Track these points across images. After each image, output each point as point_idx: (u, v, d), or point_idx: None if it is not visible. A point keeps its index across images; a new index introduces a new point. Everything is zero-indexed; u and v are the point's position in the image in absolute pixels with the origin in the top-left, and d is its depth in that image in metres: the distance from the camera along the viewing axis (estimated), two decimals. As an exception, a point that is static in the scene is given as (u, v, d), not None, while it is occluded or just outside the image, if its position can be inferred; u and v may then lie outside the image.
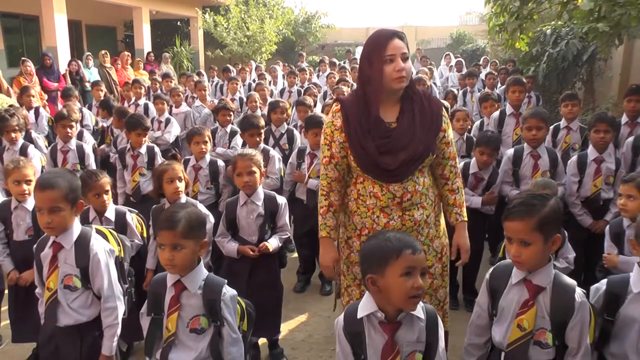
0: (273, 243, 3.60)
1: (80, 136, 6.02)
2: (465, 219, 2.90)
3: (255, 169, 3.58)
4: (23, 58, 10.40)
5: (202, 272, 2.42)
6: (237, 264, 3.62)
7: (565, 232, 3.46)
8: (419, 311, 2.08)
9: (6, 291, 3.76)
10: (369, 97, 2.71)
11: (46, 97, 9.95)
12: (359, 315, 2.10)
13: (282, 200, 3.75)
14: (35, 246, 2.79)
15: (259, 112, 7.22)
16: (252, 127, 4.89)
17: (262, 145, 4.98)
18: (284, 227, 3.73)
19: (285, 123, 5.87)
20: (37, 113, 7.47)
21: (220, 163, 4.90)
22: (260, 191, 3.65)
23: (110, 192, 3.61)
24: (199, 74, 11.04)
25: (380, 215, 2.75)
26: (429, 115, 2.76)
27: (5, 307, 3.79)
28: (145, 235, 3.75)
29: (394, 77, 2.62)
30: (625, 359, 2.34)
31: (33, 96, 7.62)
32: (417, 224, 2.75)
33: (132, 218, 3.68)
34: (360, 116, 2.73)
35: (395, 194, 2.71)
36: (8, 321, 3.72)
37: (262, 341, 3.84)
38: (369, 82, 2.71)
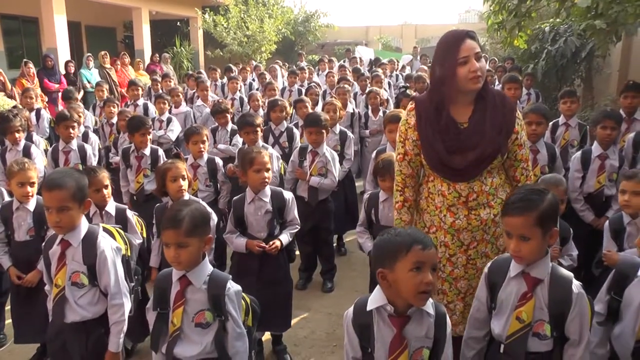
0: (283, 239, 3.65)
1: (85, 137, 6.06)
2: None
3: (270, 165, 3.64)
4: (25, 60, 10.43)
5: (207, 267, 2.46)
6: (247, 260, 3.65)
7: (571, 229, 3.48)
8: (429, 307, 2.09)
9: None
10: (442, 98, 2.73)
11: (47, 98, 9.97)
12: (369, 308, 2.12)
13: (289, 195, 3.79)
14: (44, 243, 2.84)
15: (261, 112, 7.27)
16: (247, 125, 4.92)
17: (260, 143, 5.01)
18: (294, 221, 3.79)
19: (284, 121, 5.90)
20: (38, 114, 7.49)
21: (218, 160, 4.95)
22: (267, 188, 3.68)
23: (109, 187, 3.65)
24: (199, 73, 11.07)
25: (447, 215, 2.78)
26: (501, 116, 2.76)
27: (9, 307, 3.83)
28: (144, 235, 3.79)
29: (469, 77, 2.62)
30: (621, 340, 2.40)
31: (33, 97, 7.64)
32: (483, 223, 2.76)
33: (132, 215, 3.72)
34: (432, 116, 2.76)
35: (461, 193, 2.74)
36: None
37: (265, 337, 3.88)
38: (443, 84, 2.72)
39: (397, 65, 13.92)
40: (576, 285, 2.21)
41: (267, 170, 3.61)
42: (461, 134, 2.72)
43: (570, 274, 2.26)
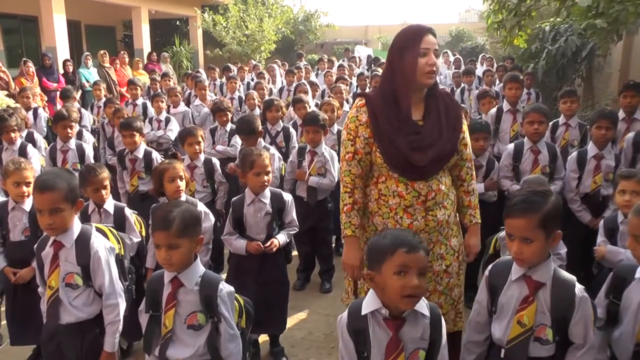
0: (281, 239, 3.61)
1: (79, 135, 6.03)
2: (479, 221, 2.93)
3: (270, 168, 3.60)
4: (24, 59, 10.40)
5: (199, 268, 2.43)
6: (246, 261, 3.61)
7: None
8: (424, 308, 2.08)
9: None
10: (398, 92, 2.70)
11: (45, 97, 9.96)
12: (364, 312, 2.09)
13: (288, 197, 3.76)
14: (35, 245, 2.79)
15: (257, 111, 7.24)
16: (249, 133, 4.85)
17: (262, 143, 4.98)
18: (292, 222, 3.75)
19: (280, 121, 5.88)
20: (35, 114, 7.48)
21: (215, 161, 4.93)
22: (267, 189, 3.65)
23: (108, 187, 3.63)
24: (197, 73, 11.04)
25: (404, 216, 2.72)
26: (453, 115, 2.78)
27: (4, 308, 3.79)
28: (144, 234, 3.76)
29: (426, 70, 2.61)
30: (621, 343, 2.36)
31: (30, 97, 7.61)
32: (439, 224, 2.75)
33: (131, 214, 3.70)
34: (389, 112, 2.71)
35: (421, 192, 2.70)
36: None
37: (262, 339, 3.84)
38: (400, 75, 2.69)
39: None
40: (579, 288, 2.17)
41: (267, 173, 3.58)
42: (421, 131, 2.71)
43: (573, 277, 2.22)
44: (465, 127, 2.86)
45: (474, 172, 2.96)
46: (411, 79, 2.65)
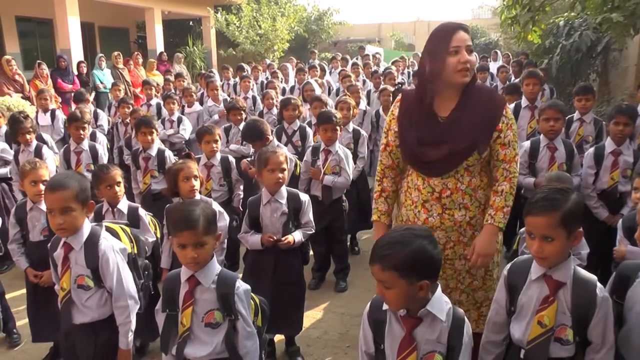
0: (296, 237, 3.59)
1: (93, 137, 6.08)
2: (496, 224, 2.71)
3: (285, 165, 3.59)
4: (38, 61, 10.50)
5: (216, 266, 2.44)
6: (261, 260, 3.61)
7: (581, 227, 3.41)
8: (442, 312, 2.05)
9: (23, 290, 3.83)
10: (425, 88, 2.73)
11: (60, 99, 10.04)
12: (384, 307, 2.12)
13: (305, 197, 3.75)
14: (49, 245, 2.82)
15: (275, 110, 7.24)
16: (254, 138, 4.86)
17: (275, 142, 4.98)
18: (309, 223, 3.74)
19: (297, 120, 5.87)
20: (53, 115, 7.54)
21: (232, 159, 4.93)
22: (284, 189, 3.63)
23: (122, 184, 3.65)
24: (209, 72, 11.07)
25: (421, 211, 2.77)
26: (485, 112, 2.71)
27: (23, 307, 3.84)
28: (159, 234, 3.77)
29: (458, 68, 2.60)
30: (625, 343, 2.30)
31: (48, 98, 7.69)
32: (457, 224, 2.72)
33: (145, 214, 3.72)
34: (412, 108, 2.78)
35: (435, 189, 2.72)
36: (26, 320, 3.77)
37: (278, 338, 3.85)
38: (429, 73, 2.69)
39: (409, 62, 13.88)
40: (600, 288, 2.14)
41: (282, 170, 3.56)
42: (438, 126, 2.70)
43: (594, 277, 2.18)
44: (505, 126, 2.71)
45: (513, 175, 2.75)
46: (440, 78, 2.65)
